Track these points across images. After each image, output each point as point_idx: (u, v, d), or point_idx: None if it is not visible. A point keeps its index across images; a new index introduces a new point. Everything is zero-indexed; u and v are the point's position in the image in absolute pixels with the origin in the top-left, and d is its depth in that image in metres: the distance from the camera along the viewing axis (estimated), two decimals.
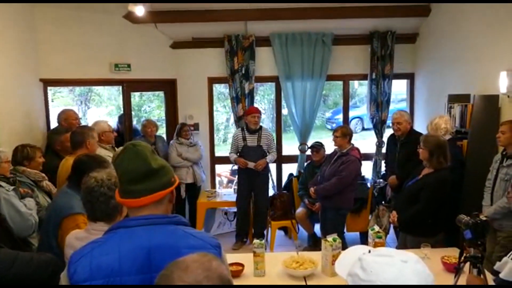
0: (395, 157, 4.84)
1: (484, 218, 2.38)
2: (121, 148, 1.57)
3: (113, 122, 6.38)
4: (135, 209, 1.47)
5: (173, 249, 1.38)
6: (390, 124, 4.87)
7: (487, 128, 4.00)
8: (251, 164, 5.39)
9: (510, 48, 4.02)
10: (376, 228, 3.24)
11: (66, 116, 4.76)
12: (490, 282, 2.33)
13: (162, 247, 1.41)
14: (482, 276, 2.27)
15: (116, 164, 1.50)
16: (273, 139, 5.69)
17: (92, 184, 1.94)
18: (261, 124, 5.62)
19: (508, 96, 3.93)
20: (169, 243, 1.42)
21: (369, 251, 1.09)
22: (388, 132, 6.54)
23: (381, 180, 5.56)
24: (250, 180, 5.50)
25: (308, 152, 6.31)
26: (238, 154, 5.56)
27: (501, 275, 2.01)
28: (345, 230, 5.04)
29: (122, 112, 6.30)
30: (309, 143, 6.39)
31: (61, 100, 12.53)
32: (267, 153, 5.52)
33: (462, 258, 2.41)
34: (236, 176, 5.85)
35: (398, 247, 4.03)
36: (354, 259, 1.09)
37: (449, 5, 5.24)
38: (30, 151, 3.56)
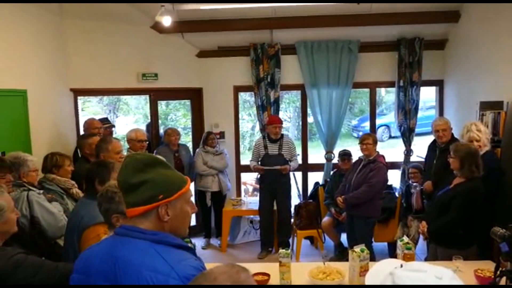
0: (433, 164, 4.72)
1: None
2: None
3: None
4: (129, 218, 1.48)
5: (134, 267, 1.36)
6: (433, 131, 4.78)
7: None
8: (276, 167, 5.35)
9: None
10: (406, 239, 3.15)
11: (87, 126, 4.87)
12: None
13: (125, 261, 1.39)
14: None
15: None
16: (295, 147, 5.66)
17: (104, 193, 1.98)
18: (283, 132, 5.60)
19: None
20: (132, 259, 1.38)
21: (401, 266, 1.04)
22: (416, 140, 6.45)
23: (416, 184, 5.39)
24: (272, 189, 5.48)
25: (335, 160, 6.25)
26: (259, 162, 5.54)
27: None
28: (373, 240, 4.94)
29: (149, 120, 6.39)
30: (335, 151, 6.32)
31: (90, 109, 12.83)
32: (289, 162, 5.49)
33: (498, 272, 2.31)
34: (252, 187, 5.82)
35: (427, 259, 3.92)
36: (386, 274, 1.05)
37: (479, 10, 5.11)
38: (59, 159, 3.63)
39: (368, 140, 4.60)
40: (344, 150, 5.65)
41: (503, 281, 2.30)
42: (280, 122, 5.57)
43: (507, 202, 3.85)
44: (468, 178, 3.45)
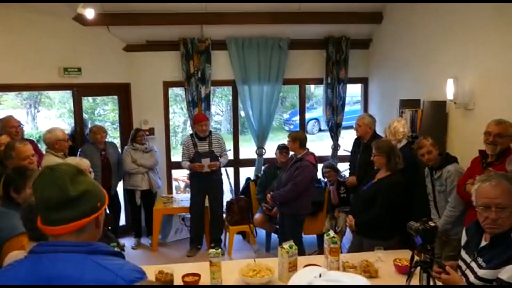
0: (356, 159, 4.94)
1: (433, 224, 2.45)
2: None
3: (67, 126, 6.14)
4: (55, 236, 1.37)
5: (76, 282, 1.30)
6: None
7: (436, 134, 4.14)
8: (205, 161, 5.30)
9: (457, 56, 4.20)
10: (332, 233, 3.27)
11: (3, 124, 4.49)
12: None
13: (64, 278, 1.30)
14: (431, 280, 2.34)
15: (32, 190, 1.39)
16: (224, 143, 5.64)
17: (32, 202, 1.83)
18: (213, 128, 5.57)
19: (455, 103, 4.09)
20: (71, 274, 1.30)
21: (320, 275, 1.08)
22: (343, 133, 6.72)
23: (344, 175, 5.66)
24: (203, 186, 5.43)
25: (267, 155, 6.33)
26: (191, 161, 5.43)
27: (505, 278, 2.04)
28: (302, 234, 5.08)
29: (66, 115, 6.08)
30: (267, 145, 6.41)
31: (8, 103, 11.95)
32: (219, 157, 5.47)
33: (413, 263, 2.48)
34: (184, 184, 5.73)
35: (349, 249, 4.06)
36: (305, 282, 1.08)
37: (400, 13, 5.41)
38: None
39: (288, 138, 4.69)
40: (284, 143, 5.68)
41: (417, 271, 2.46)
42: (207, 119, 5.50)
43: (422, 196, 4.13)
44: (392, 172, 3.64)
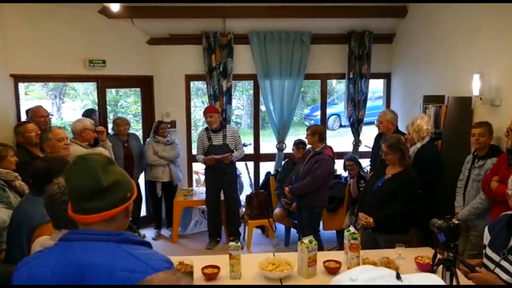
0: (378, 155, 4.88)
1: (457, 222, 2.41)
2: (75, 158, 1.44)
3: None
4: (86, 224, 1.39)
5: (107, 271, 1.31)
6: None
7: (461, 130, 4.08)
8: (218, 156, 5.30)
9: (483, 51, 4.11)
10: (352, 229, 3.24)
11: (32, 113, 4.63)
12: (462, 283, 2.36)
13: (95, 266, 1.32)
14: (455, 278, 2.31)
15: (65, 178, 1.41)
16: (239, 136, 5.61)
17: (54, 191, 1.84)
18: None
19: (481, 99, 4.00)
20: (103, 263, 1.32)
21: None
22: (365, 129, 6.65)
23: (367, 170, 5.62)
24: (218, 180, 5.43)
25: (287, 150, 6.31)
26: (205, 154, 5.43)
27: None
28: (321, 228, 5.07)
29: (90, 107, 6.15)
30: (287, 140, 6.40)
31: (35, 93, 12.20)
32: (234, 151, 5.47)
33: (436, 260, 2.44)
34: (204, 177, 5.75)
35: (363, 245, 3.92)
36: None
37: (425, 7, 5.31)
38: (2, 149, 3.38)
39: (307, 131, 4.68)
40: (300, 139, 5.68)
41: (440, 269, 2.43)
42: (215, 111, 5.47)
43: (446, 193, 4.07)
44: (405, 166, 3.58)
